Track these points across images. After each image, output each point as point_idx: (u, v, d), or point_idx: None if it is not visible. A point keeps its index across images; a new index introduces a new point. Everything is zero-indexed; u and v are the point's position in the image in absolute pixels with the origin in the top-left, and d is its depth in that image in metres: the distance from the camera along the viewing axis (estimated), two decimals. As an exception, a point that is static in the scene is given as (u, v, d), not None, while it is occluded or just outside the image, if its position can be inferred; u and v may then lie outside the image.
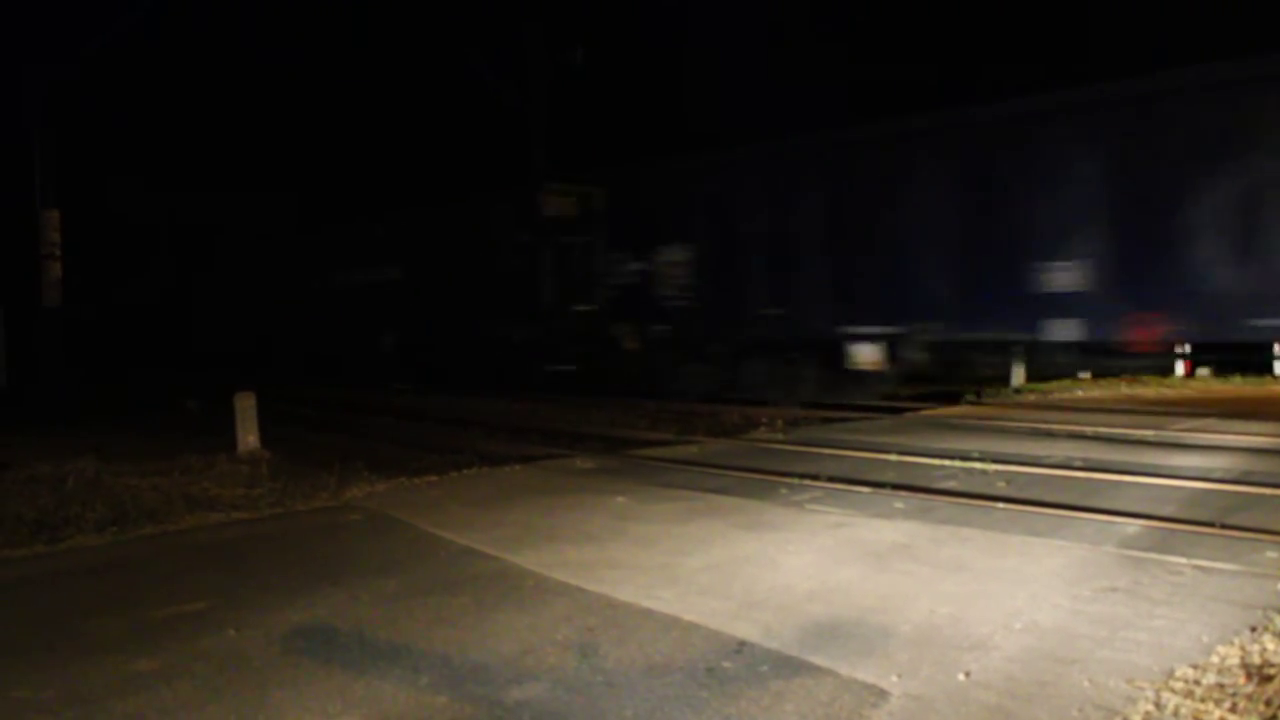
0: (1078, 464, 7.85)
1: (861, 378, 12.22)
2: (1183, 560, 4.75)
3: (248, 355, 24.63)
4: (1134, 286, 10.07)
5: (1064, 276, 10.48)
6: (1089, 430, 9.87)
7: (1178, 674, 3.35)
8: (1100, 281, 10.24)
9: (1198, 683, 3.27)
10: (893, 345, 11.95)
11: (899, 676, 3.42)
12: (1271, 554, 4.84)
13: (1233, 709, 3.06)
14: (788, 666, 3.56)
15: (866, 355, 12.02)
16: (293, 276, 24.21)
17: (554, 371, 16.19)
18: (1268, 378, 15.01)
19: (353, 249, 22.05)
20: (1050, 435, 9.68)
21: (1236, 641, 3.62)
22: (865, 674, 3.45)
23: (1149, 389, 14.45)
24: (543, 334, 16.38)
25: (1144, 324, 10.08)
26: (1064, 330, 10.61)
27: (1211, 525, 5.50)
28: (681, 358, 14.34)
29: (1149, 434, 9.50)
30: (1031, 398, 13.70)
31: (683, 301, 14.06)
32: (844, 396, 12.39)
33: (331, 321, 22.43)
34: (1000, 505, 6.25)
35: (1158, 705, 3.11)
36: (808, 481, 7.24)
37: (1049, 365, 12.43)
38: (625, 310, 14.96)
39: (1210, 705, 3.09)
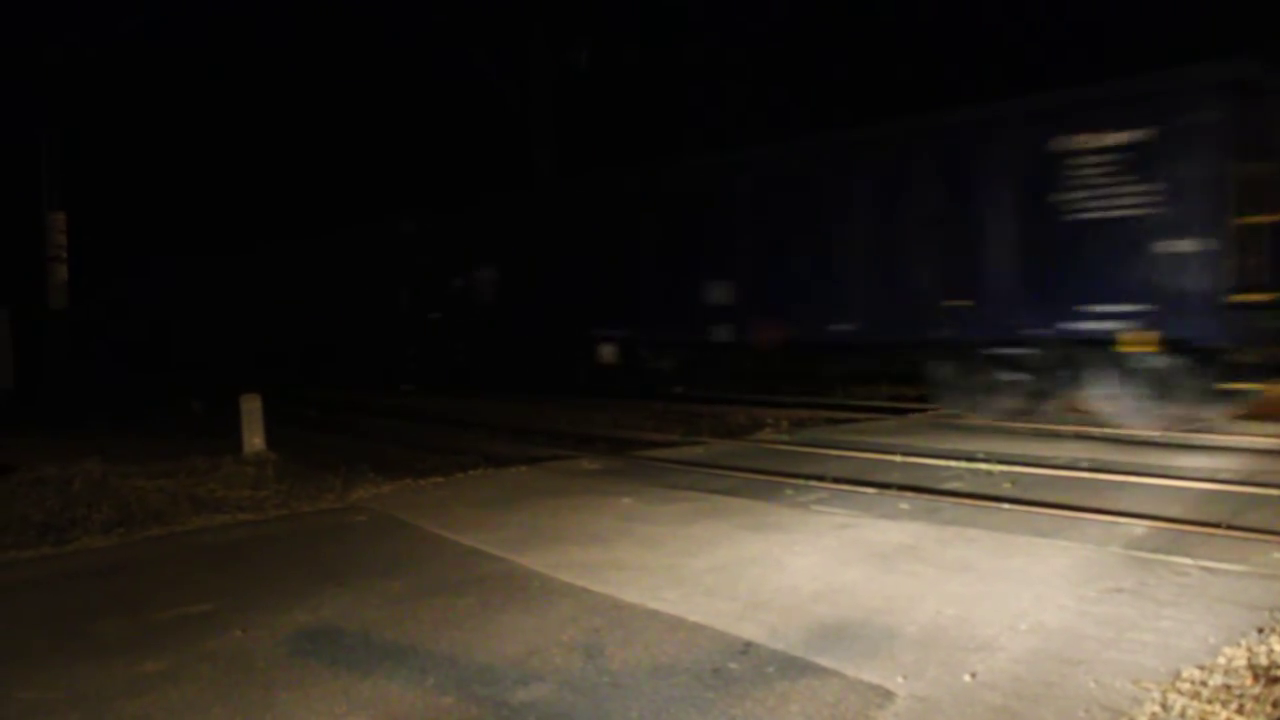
0: (1084, 465, 7.84)
1: (608, 370, 15.39)
2: (1189, 561, 4.74)
3: (225, 355, 26.60)
4: (763, 300, 13.26)
5: (723, 292, 13.73)
6: (1095, 431, 9.85)
7: (1184, 675, 3.34)
8: (744, 296, 13.48)
9: (1204, 684, 3.27)
10: (624, 345, 15.26)
11: (905, 678, 3.42)
12: (1278, 555, 4.83)
13: (1239, 710, 3.06)
14: (793, 667, 3.56)
15: (607, 353, 15.13)
16: (260, 286, 25.88)
17: (414, 366, 20.03)
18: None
19: (295, 262, 24.42)
20: (1056, 436, 9.67)
21: (1243, 643, 3.61)
22: (871, 675, 3.45)
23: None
24: (407, 336, 20.11)
25: (767, 329, 13.20)
26: (722, 333, 13.78)
27: (1218, 526, 5.48)
28: (493, 355, 18.06)
29: (1155, 435, 9.49)
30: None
31: (493, 310, 17.75)
32: (601, 385, 15.71)
33: (276, 326, 24.82)
34: (1006, 506, 6.24)
35: (1164, 707, 3.11)
36: (813, 482, 7.23)
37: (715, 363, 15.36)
38: (456, 316, 18.54)
39: (1217, 707, 3.08)
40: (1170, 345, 9.58)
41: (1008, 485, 7.03)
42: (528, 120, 23.26)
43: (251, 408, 9.99)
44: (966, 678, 3.41)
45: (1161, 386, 9.81)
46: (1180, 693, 3.20)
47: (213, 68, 27.35)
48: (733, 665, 3.61)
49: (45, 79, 16.04)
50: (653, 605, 4.34)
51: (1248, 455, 8.21)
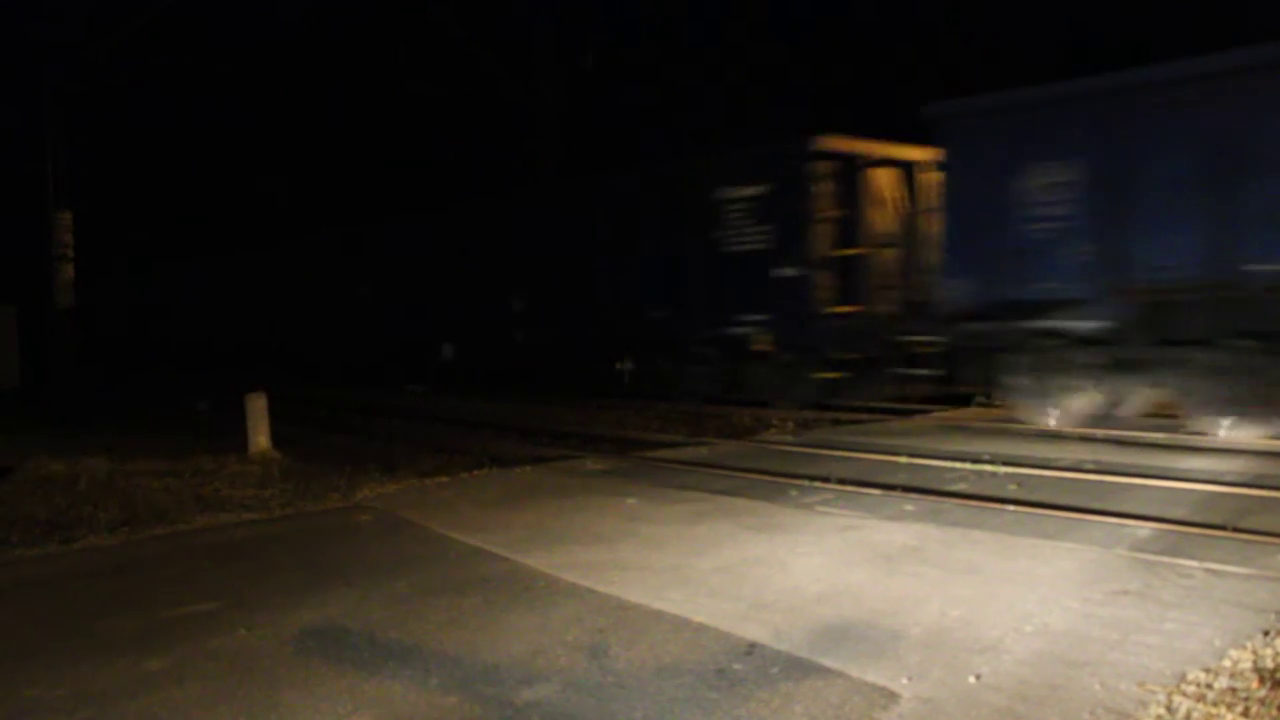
0: (1088, 466, 7.83)
1: (448, 364, 19.48)
2: (1194, 563, 4.73)
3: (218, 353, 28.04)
4: (547, 310, 17.05)
5: (517, 304, 17.55)
6: (1100, 433, 9.83)
7: (1189, 677, 3.34)
8: (531, 307, 17.34)
9: (1210, 686, 3.26)
10: (458, 345, 19.34)
11: (909, 679, 3.42)
12: (1284, 557, 4.82)
13: (1245, 713, 3.05)
14: (798, 668, 3.56)
15: (447, 351, 19.51)
16: (259, 286, 27.01)
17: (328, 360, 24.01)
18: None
19: (286, 264, 26.07)
20: (1060, 438, 9.65)
21: (1249, 645, 3.61)
22: (875, 676, 3.44)
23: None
24: (327, 335, 23.96)
25: (563, 328, 16.85)
26: (519, 336, 17.59)
27: (1223, 528, 5.47)
28: (384, 356, 21.77)
29: (1160, 436, 9.46)
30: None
31: (378, 316, 21.65)
32: (440, 378, 19.83)
33: (274, 325, 26.44)
34: (1011, 508, 6.23)
35: (1169, 709, 3.10)
36: (818, 484, 7.23)
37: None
38: (358, 321, 22.42)
39: (1222, 709, 3.08)
40: (783, 345, 13.07)
41: (1013, 487, 7.02)
42: (536, 121, 23.26)
43: (256, 407, 10.00)
44: (971, 679, 3.41)
45: (787, 376, 13.16)
46: (1186, 695, 3.19)
47: (216, 68, 27.34)
48: (737, 666, 3.61)
49: (51, 78, 16.09)
50: (657, 606, 4.34)
51: (1252, 457, 8.19)
